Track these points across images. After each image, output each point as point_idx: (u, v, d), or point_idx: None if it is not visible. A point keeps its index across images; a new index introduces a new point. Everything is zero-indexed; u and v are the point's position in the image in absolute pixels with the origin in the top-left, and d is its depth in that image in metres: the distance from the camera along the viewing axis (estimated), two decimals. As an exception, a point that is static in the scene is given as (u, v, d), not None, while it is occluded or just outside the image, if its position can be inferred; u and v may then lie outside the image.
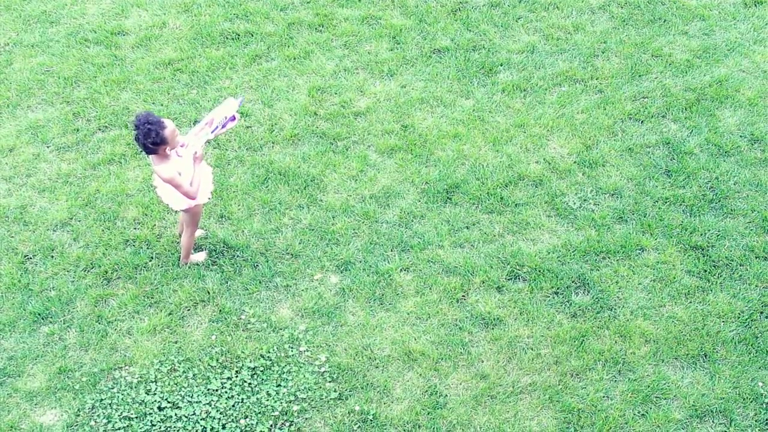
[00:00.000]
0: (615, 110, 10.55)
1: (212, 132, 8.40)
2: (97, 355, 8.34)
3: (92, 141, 10.25)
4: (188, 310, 8.66)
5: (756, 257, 9.05)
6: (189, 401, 7.96)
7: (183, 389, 8.05)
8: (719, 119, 10.42)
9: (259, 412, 7.89)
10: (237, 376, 8.13)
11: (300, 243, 9.19)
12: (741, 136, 10.22)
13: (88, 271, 8.98)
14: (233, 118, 8.44)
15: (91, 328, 8.52)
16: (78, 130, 10.36)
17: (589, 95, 10.77)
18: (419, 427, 7.85)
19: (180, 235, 9.10)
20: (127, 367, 8.24)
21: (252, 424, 7.83)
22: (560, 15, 11.84)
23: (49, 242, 9.22)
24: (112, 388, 8.09)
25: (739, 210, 9.47)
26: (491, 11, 11.89)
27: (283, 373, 8.15)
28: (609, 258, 9.06)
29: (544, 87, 10.86)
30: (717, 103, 10.61)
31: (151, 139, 7.85)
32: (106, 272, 8.95)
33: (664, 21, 11.74)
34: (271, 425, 7.85)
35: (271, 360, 8.24)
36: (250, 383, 8.08)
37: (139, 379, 8.14)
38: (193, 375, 8.15)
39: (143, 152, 8.01)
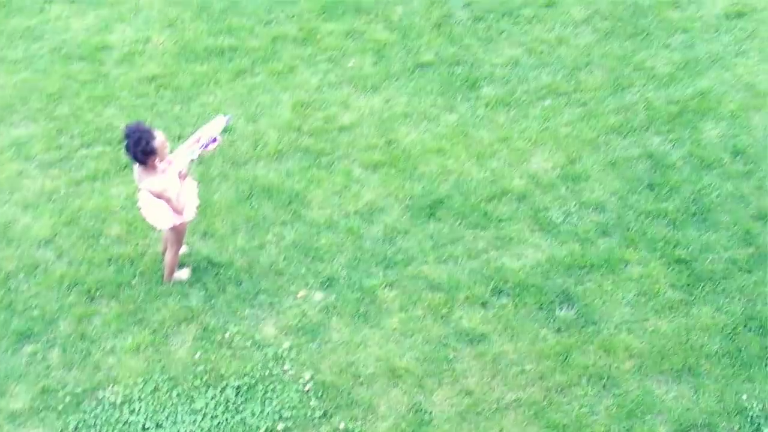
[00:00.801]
0: (598, 123, 10.57)
1: (198, 150, 8.38)
2: (81, 374, 8.31)
3: (76, 157, 10.23)
4: (172, 328, 8.64)
5: (739, 270, 9.07)
6: (173, 421, 7.93)
7: (167, 409, 8.02)
8: (702, 132, 10.45)
9: None
10: (221, 395, 8.10)
11: (284, 260, 9.18)
12: (723, 149, 10.25)
13: (72, 289, 8.95)
14: (215, 140, 8.38)
15: (75, 347, 8.49)
16: (61, 147, 10.35)
17: (572, 109, 10.79)
18: (404, 444, 7.87)
19: (163, 253, 9.08)
20: (110, 387, 8.20)
21: (236, 443, 7.84)
22: (543, 29, 11.88)
23: (32, 260, 9.20)
24: (96, 408, 8.06)
25: (722, 223, 9.49)
26: (475, 25, 11.91)
27: (268, 391, 8.13)
28: (593, 272, 9.07)
29: (528, 101, 10.88)
30: (699, 116, 10.65)
31: (141, 147, 7.83)
32: (90, 290, 8.92)
33: (647, 34, 11.77)
34: (256, 444, 7.86)
35: (255, 378, 8.22)
36: (234, 402, 8.06)
37: (123, 398, 8.11)
38: (177, 394, 8.12)
39: (133, 162, 7.99)
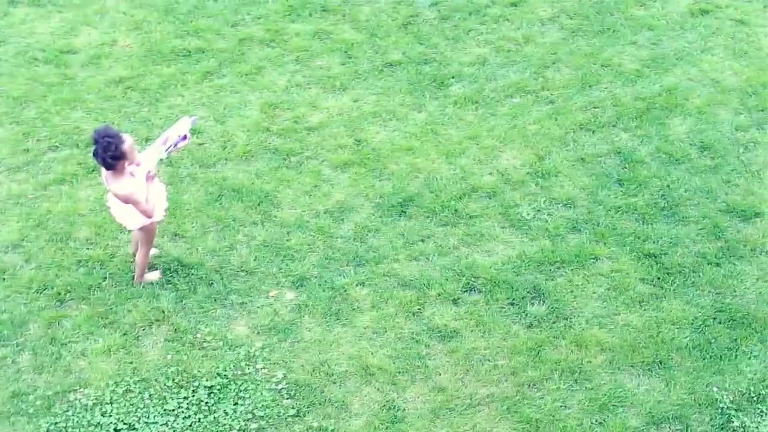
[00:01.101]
0: (566, 121, 10.62)
1: (166, 151, 8.37)
2: (51, 377, 8.24)
3: (43, 161, 10.16)
4: (143, 329, 8.59)
5: (708, 263, 9.14)
6: (145, 422, 7.88)
7: (139, 410, 7.97)
8: (669, 128, 10.52)
9: None
10: (193, 396, 8.07)
11: (255, 260, 9.16)
12: (691, 144, 10.33)
13: (41, 293, 8.88)
14: (185, 138, 8.41)
15: (45, 351, 8.42)
16: (28, 150, 10.27)
17: (540, 106, 10.84)
18: (378, 441, 7.86)
19: (134, 255, 9.03)
20: (81, 390, 8.14)
21: (210, 444, 7.81)
22: (510, 27, 11.92)
23: (0, 264, 9.11)
24: (67, 411, 7.99)
25: (691, 217, 9.56)
26: (442, 24, 11.94)
27: (240, 391, 8.10)
28: (563, 268, 9.10)
29: (496, 99, 10.91)
30: (667, 112, 10.72)
31: (110, 152, 7.79)
32: (59, 293, 8.85)
33: (613, 31, 11.84)
34: (229, 444, 7.82)
35: (227, 378, 8.19)
36: (207, 402, 8.03)
37: (95, 401, 8.05)
38: (149, 395, 8.08)
39: (102, 167, 7.95)
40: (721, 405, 8.07)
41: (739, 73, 11.22)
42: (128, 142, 7.92)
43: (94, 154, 7.89)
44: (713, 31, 11.86)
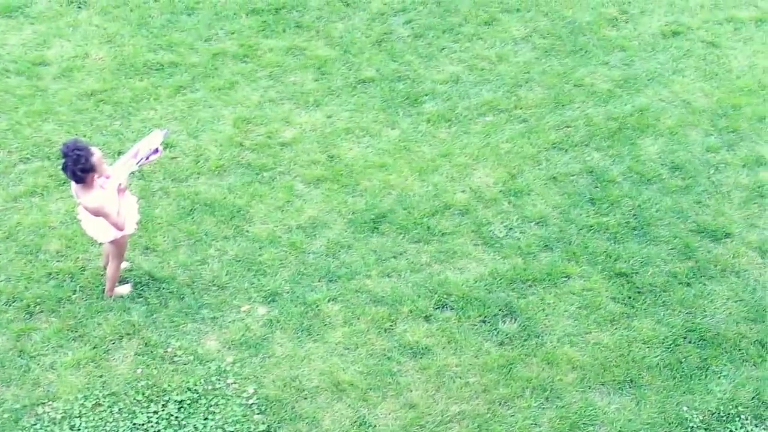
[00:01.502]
0: (539, 139, 10.67)
1: (137, 164, 8.34)
2: (20, 390, 8.16)
3: (13, 173, 10.08)
4: (113, 343, 8.53)
5: (679, 283, 9.19)
6: (114, 437, 7.86)
7: (108, 424, 7.91)
8: (641, 148, 10.59)
9: (187, 447, 7.81)
10: (163, 410, 8.01)
11: (227, 274, 9.12)
12: (662, 164, 10.40)
13: (10, 305, 8.80)
14: (156, 151, 8.37)
15: (13, 363, 8.34)
16: (-1, 162, 10.22)
17: (513, 125, 10.88)
18: (349, 458, 7.84)
19: (104, 268, 8.98)
20: (50, 403, 8.07)
21: (179, 459, 7.75)
22: (484, 45, 11.96)
23: (-32, 276, 9.06)
24: (35, 425, 7.92)
25: (662, 237, 9.62)
26: (415, 42, 11.97)
27: (211, 405, 8.05)
28: (535, 286, 9.13)
29: (469, 117, 10.94)
30: (638, 132, 10.79)
31: (81, 165, 7.76)
32: (29, 306, 8.78)
33: (586, 51, 11.91)
34: (199, 459, 7.77)
35: (198, 393, 8.15)
36: (176, 417, 7.97)
37: (63, 414, 7.98)
38: (119, 410, 8.02)
39: (72, 181, 7.92)
40: (690, 424, 8.11)
41: (710, 95, 11.32)
42: (97, 154, 7.89)
43: (63, 168, 7.86)
44: (684, 52, 11.95)
